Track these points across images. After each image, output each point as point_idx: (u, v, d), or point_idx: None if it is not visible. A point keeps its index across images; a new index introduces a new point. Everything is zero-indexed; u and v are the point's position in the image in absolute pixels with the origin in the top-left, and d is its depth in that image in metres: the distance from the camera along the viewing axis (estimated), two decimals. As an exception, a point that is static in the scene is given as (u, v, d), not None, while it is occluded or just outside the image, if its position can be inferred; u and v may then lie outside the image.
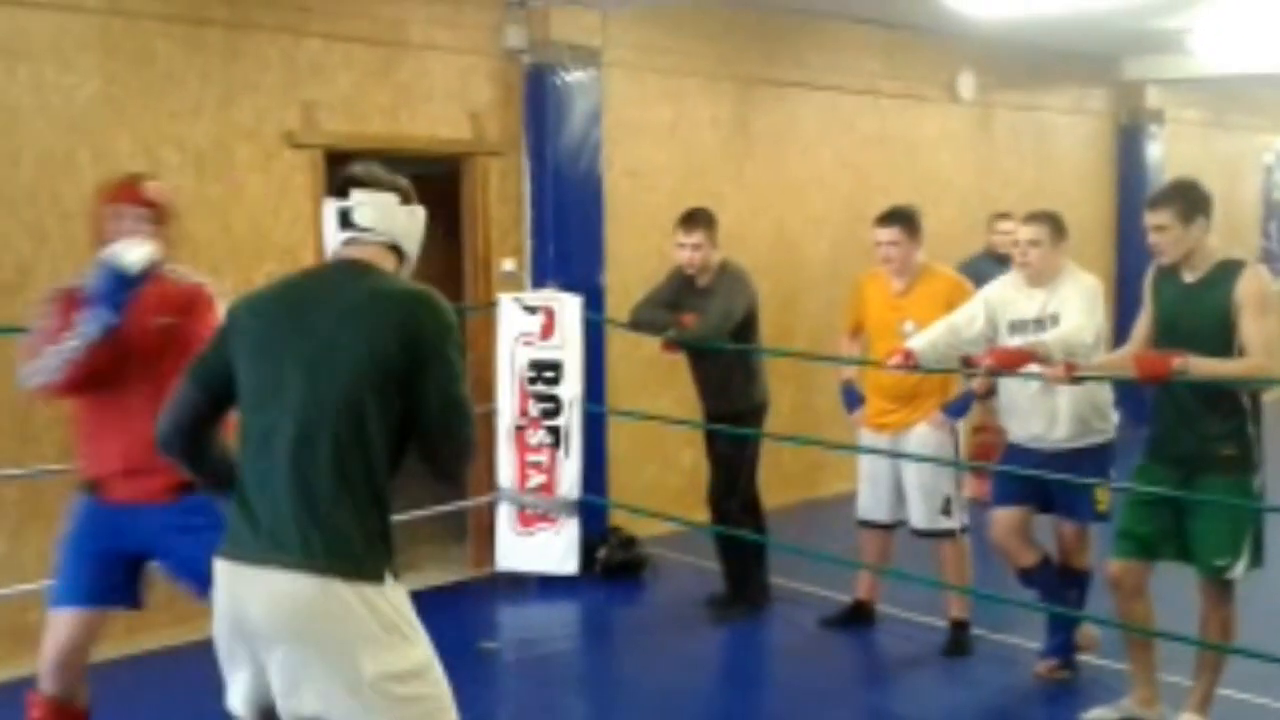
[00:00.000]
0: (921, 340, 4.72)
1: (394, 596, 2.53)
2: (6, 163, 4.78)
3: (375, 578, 2.49)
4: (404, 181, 2.74)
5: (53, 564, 4.91)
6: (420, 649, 2.54)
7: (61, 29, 4.88)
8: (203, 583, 3.25)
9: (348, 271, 2.64)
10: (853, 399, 5.28)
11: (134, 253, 3.36)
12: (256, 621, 2.45)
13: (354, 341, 2.50)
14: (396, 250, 2.70)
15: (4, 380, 4.76)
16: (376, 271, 2.63)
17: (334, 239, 2.70)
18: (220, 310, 3.51)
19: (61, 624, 3.49)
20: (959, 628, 5.13)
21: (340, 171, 2.76)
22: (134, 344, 3.41)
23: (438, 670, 2.57)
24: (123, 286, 3.35)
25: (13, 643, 4.78)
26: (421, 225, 2.76)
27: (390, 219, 2.68)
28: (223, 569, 2.53)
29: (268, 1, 5.40)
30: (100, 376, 3.39)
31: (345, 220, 2.67)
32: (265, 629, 2.45)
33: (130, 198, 3.54)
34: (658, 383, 6.56)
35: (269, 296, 2.68)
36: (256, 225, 5.41)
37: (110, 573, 3.51)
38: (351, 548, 2.46)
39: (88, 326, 3.34)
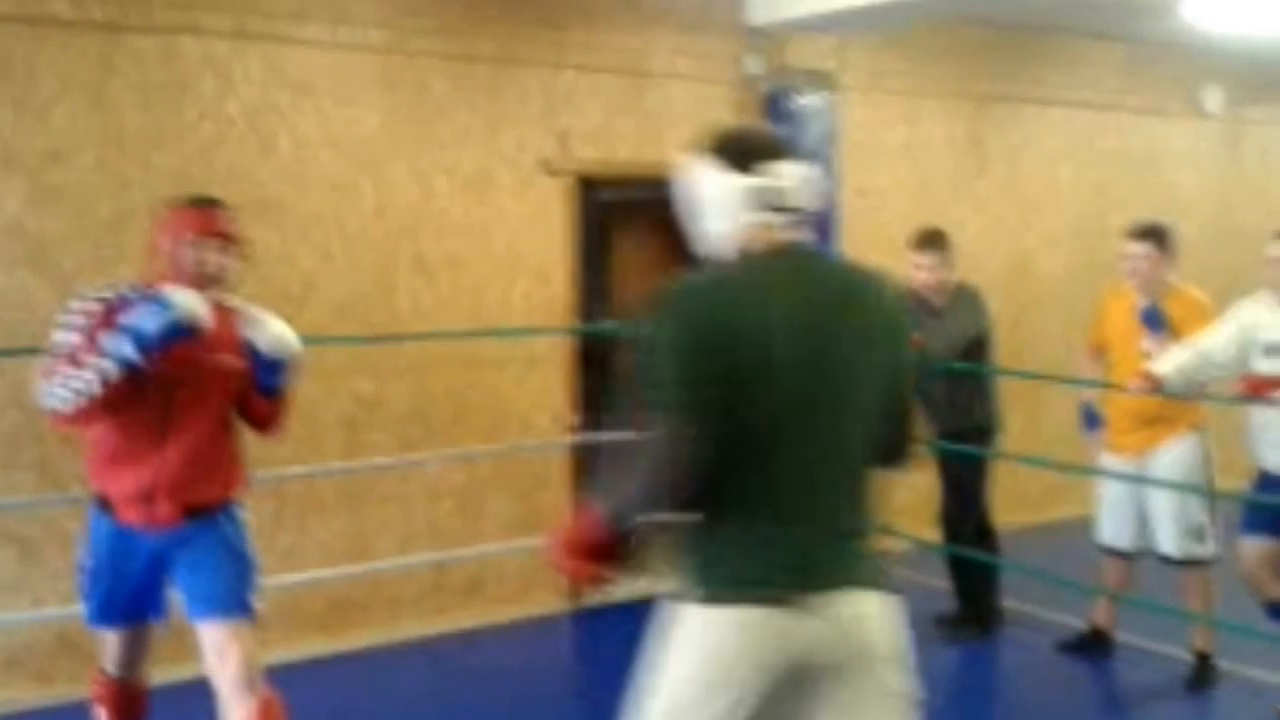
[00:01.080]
0: (1167, 365, 4.63)
1: None
2: (298, 189, 5.27)
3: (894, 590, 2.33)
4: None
5: (316, 553, 5.40)
6: None
7: (347, 66, 5.35)
8: (202, 598, 3.44)
9: (817, 260, 2.35)
10: (1092, 420, 5.18)
11: (203, 310, 3.22)
12: (833, 652, 2.20)
13: (868, 339, 2.28)
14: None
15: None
16: (829, 257, 2.33)
17: (752, 220, 2.29)
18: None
19: (110, 639, 3.59)
20: (1203, 659, 5.00)
21: (739, 139, 2.36)
22: (185, 376, 3.31)
23: None
24: (173, 336, 3.18)
25: (293, 627, 5.28)
26: None
27: (814, 193, 2.38)
28: (766, 613, 2.19)
29: (528, 38, 5.78)
30: (137, 401, 3.25)
31: (774, 200, 2.29)
32: (842, 657, 2.21)
33: (215, 230, 3.39)
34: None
35: (748, 299, 2.22)
36: (514, 246, 5.79)
37: (136, 593, 3.49)
38: (880, 560, 2.33)
39: (110, 360, 3.16)
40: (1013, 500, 6.67)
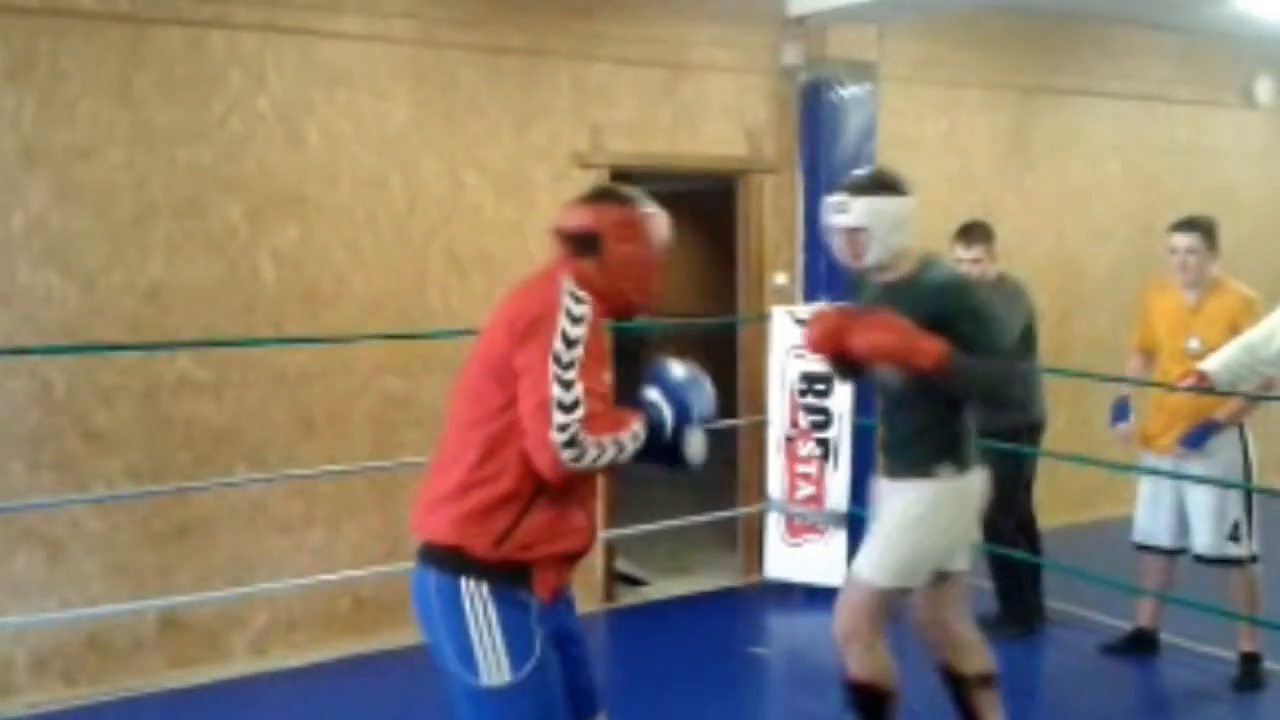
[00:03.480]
0: (1215, 361, 4.51)
1: None
2: (328, 183, 5.22)
3: None
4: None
5: (348, 553, 5.33)
6: None
7: (377, 59, 5.29)
8: (593, 690, 2.81)
9: None
10: (1122, 412, 5.06)
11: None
12: None
13: None
14: None
15: (323, 382, 5.23)
16: None
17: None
18: None
19: None
20: (1250, 660, 4.89)
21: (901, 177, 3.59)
22: None
23: None
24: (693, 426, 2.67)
25: (324, 628, 5.25)
26: None
27: None
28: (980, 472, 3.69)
29: (561, 30, 5.70)
30: None
31: None
32: None
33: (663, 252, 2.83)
34: (929, 397, 6.51)
35: None
36: (547, 241, 5.67)
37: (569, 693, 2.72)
38: None
39: (644, 427, 2.56)
40: (1056, 499, 6.54)
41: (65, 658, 4.75)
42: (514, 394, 2.50)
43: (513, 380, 2.51)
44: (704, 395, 2.69)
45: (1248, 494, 4.84)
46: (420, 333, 5.36)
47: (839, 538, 6.03)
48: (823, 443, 6.04)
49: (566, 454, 2.43)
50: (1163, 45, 7.74)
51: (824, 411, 6.03)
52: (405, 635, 5.33)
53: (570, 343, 2.49)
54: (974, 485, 3.61)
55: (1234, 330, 4.62)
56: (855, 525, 6.13)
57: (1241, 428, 4.88)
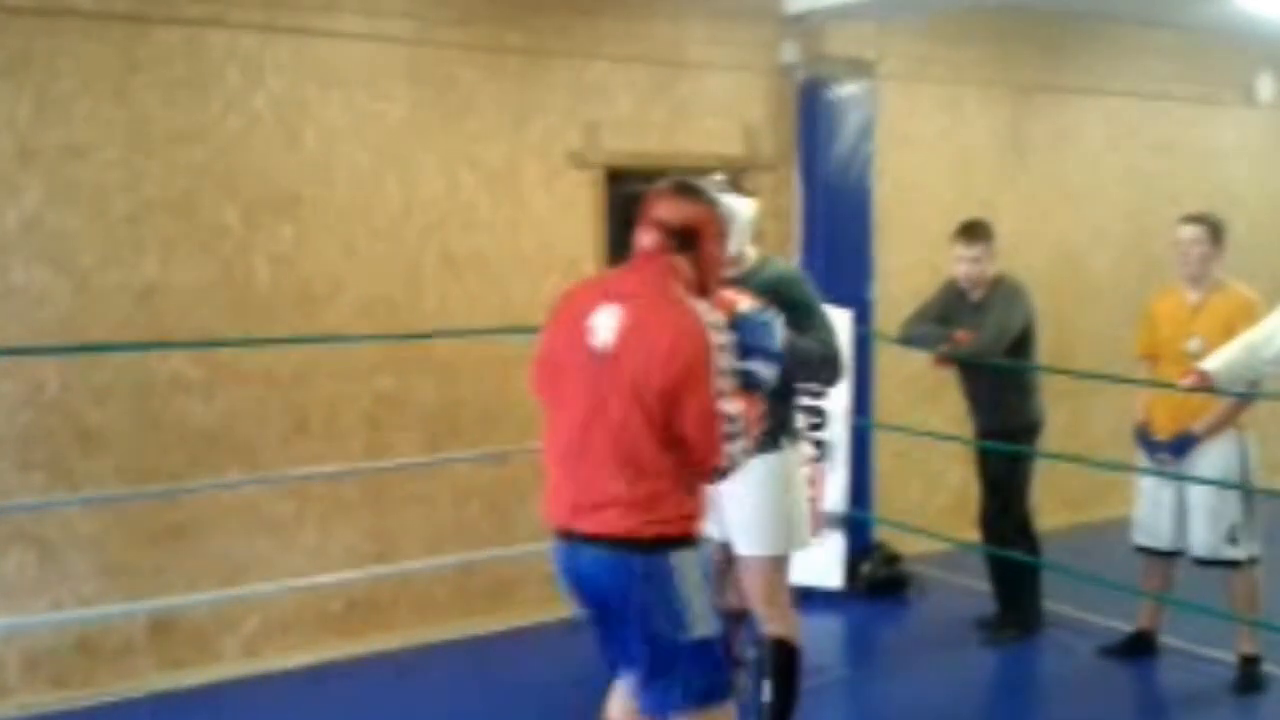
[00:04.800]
0: (1216, 361, 4.50)
1: None
2: (323, 181, 5.18)
3: None
4: None
5: (340, 554, 5.32)
6: None
7: (374, 58, 5.26)
8: None
9: None
10: (1150, 446, 4.97)
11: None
12: None
13: None
14: None
15: (316, 383, 5.20)
16: None
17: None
18: None
19: None
20: (1249, 663, 4.87)
21: None
22: None
23: None
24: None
25: (316, 629, 5.22)
26: None
27: None
28: None
29: (558, 29, 5.66)
30: None
31: None
32: None
33: None
34: (925, 398, 6.50)
35: None
36: (543, 240, 5.68)
37: None
38: None
39: (763, 388, 3.09)
40: (1056, 499, 6.52)
41: (56, 660, 4.73)
42: (673, 415, 2.84)
43: (675, 405, 2.83)
44: (778, 328, 3.09)
45: (1246, 496, 4.81)
46: (415, 333, 5.33)
47: (835, 539, 6.00)
48: (819, 444, 6.00)
49: (730, 468, 2.93)
50: (1162, 43, 7.71)
51: (820, 412, 6.00)
52: (398, 637, 5.33)
53: (723, 374, 2.85)
54: (800, 455, 4.11)
55: (1230, 330, 4.62)
56: (852, 527, 6.11)
57: (1239, 431, 4.86)
